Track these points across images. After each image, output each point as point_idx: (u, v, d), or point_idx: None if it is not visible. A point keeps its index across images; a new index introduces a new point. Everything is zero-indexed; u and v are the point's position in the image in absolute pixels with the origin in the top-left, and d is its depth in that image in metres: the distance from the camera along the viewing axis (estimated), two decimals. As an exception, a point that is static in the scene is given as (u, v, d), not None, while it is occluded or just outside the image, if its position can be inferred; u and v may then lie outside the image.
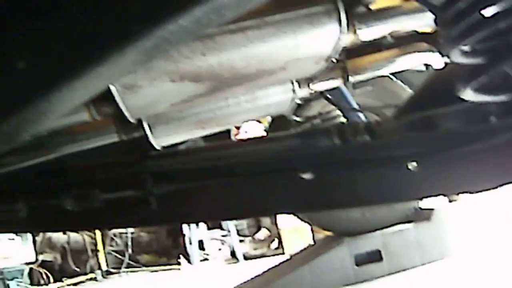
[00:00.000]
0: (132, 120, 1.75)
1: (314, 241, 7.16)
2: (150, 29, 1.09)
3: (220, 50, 1.57)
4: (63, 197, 1.48)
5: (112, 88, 1.53)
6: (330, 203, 1.57)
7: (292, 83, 2.12)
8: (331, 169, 1.49)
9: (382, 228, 4.51)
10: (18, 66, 1.13)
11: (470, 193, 1.51)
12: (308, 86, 2.51)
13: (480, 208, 5.67)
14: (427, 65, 3.01)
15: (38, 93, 1.13)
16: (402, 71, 3.13)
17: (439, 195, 1.53)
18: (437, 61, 2.84)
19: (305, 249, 5.24)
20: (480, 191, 1.51)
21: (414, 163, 1.45)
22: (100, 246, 10.71)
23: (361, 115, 3.43)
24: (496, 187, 1.49)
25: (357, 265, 4.46)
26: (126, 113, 1.66)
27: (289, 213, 3.36)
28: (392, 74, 3.64)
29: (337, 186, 1.50)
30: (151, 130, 2.00)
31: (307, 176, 1.44)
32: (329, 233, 4.90)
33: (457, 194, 1.49)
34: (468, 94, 1.46)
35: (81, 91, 1.17)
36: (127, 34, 1.10)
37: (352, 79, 2.67)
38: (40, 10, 1.16)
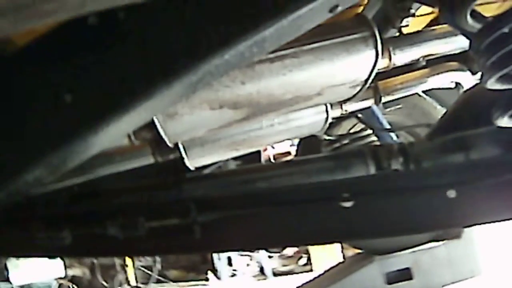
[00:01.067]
0: (170, 145, 1.78)
1: (344, 258, 7.12)
2: (195, 64, 1.12)
3: (259, 79, 1.60)
4: (108, 225, 1.51)
5: (154, 116, 1.57)
6: (369, 232, 1.57)
7: (326, 105, 2.14)
8: (370, 198, 1.49)
9: (412, 246, 4.47)
10: (65, 99, 1.16)
11: (507, 220, 1.51)
12: (341, 107, 2.53)
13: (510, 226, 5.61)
14: (457, 83, 3.01)
15: (86, 126, 1.16)
16: (433, 89, 3.15)
17: (477, 223, 1.53)
18: (468, 80, 2.85)
19: (335, 266, 5.21)
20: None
21: (453, 191, 1.46)
22: (128, 261, 10.74)
23: (392, 134, 3.43)
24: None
25: (388, 283, 4.43)
26: (166, 139, 1.69)
27: (329, 243, 3.35)
28: (423, 91, 3.64)
29: (376, 214, 1.50)
30: (186, 152, 2.03)
31: (347, 204, 1.45)
32: (359, 251, 4.88)
33: (495, 222, 1.48)
34: (504, 121, 1.47)
35: (128, 124, 1.20)
36: (173, 69, 1.12)
37: (384, 99, 2.69)
38: (88, 44, 1.19)
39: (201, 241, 1.48)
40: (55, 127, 1.17)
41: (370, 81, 1.80)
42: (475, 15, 1.47)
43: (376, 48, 1.69)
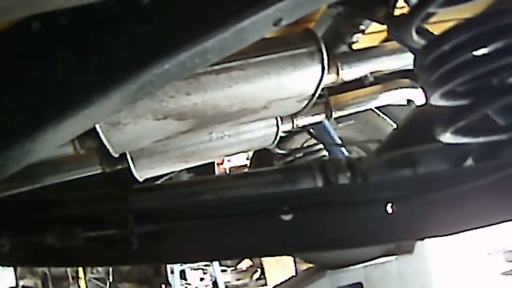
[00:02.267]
0: (115, 155, 1.75)
1: (296, 273, 7.13)
2: (135, 73, 1.11)
3: (204, 90, 1.59)
4: (46, 233, 1.48)
5: (96, 125, 1.54)
6: (309, 245, 1.57)
7: (276, 118, 2.14)
8: (310, 211, 1.49)
9: (364, 261, 4.50)
10: (4, 104, 1.14)
11: (445, 235, 1.52)
12: (292, 121, 2.54)
13: (462, 242, 5.69)
14: (409, 100, 3.05)
15: (23, 133, 1.14)
16: (387, 105, 3.19)
17: (415, 238, 1.54)
18: (420, 96, 2.89)
19: (287, 280, 5.22)
20: (455, 233, 1.51)
21: (391, 206, 1.46)
22: (81, 273, 10.60)
23: (343, 149, 3.46)
24: (474, 229, 1.50)
25: (339, 298, 4.45)
26: (110, 149, 1.67)
27: (270, 255, 3.35)
28: (376, 108, 3.68)
29: (314, 228, 1.50)
30: (133, 163, 2.01)
31: (286, 217, 1.44)
32: (311, 265, 4.89)
33: (434, 237, 1.49)
34: (446, 137, 1.47)
35: (66, 131, 1.18)
36: (112, 77, 1.11)
37: (335, 114, 2.71)
38: (30, 50, 1.17)
39: (139, 252, 1.46)
40: (-7, 133, 1.15)
41: (316, 95, 1.81)
42: (421, 32, 1.49)
43: (322, 63, 1.69)
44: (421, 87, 2.84)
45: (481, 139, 1.50)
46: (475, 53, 1.33)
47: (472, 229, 1.50)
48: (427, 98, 1.47)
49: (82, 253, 1.50)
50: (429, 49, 1.40)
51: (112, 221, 1.49)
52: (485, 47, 1.33)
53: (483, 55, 1.33)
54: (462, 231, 1.49)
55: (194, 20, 1.13)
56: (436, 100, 1.44)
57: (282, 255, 1.74)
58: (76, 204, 1.86)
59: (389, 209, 1.46)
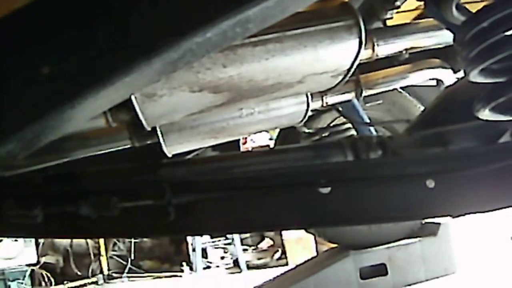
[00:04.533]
0: (148, 128, 1.75)
1: (317, 253, 7.14)
2: (176, 40, 1.10)
3: (241, 62, 1.58)
4: (80, 204, 1.48)
5: (132, 96, 1.54)
6: (346, 219, 1.56)
7: (306, 95, 2.12)
8: (348, 184, 1.49)
9: (387, 242, 4.49)
10: (43, 72, 1.13)
11: (484, 212, 1.51)
12: (322, 98, 2.52)
13: (485, 226, 5.66)
14: (438, 81, 3.01)
15: (62, 100, 1.14)
16: (413, 85, 3.16)
17: (456, 214, 1.53)
18: (449, 77, 2.86)
19: (309, 260, 5.22)
20: (494, 210, 1.50)
21: (432, 181, 1.45)
22: (102, 250, 10.70)
23: (371, 128, 3.43)
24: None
25: (362, 278, 4.44)
26: (144, 122, 1.66)
27: (304, 228, 3.33)
28: (402, 88, 3.65)
29: (353, 201, 1.49)
30: (163, 138, 2.01)
31: (324, 190, 1.44)
32: (333, 245, 4.89)
33: (474, 213, 1.47)
34: (485, 114, 1.46)
35: (105, 99, 1.18)
36: (154, 45, 1.10)
37: (365, 93, 2.69)
38: (69, 18, 1.17)
39: (176, 223, 1.46)
40: (30, 100, 1.14)
41: (352, 71, 1.79)
42: (460, 8, 1.47)
43: (360, 37, 1.67)
44: (452, 67, 2.82)
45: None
46: None
47: (506, 207, 1.49)
48: (466, 74, 1.46)
49: (118, 223, 1.51)
50: (469, 25, 1.39)
51: (147, 191, 1.49)
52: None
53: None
54: (500, 208, 1.48)
55: (236, -13, 1.12)
56: (475, 77, 1.43)
57: (318, 227, 1.73)
58: (109, 176, 1.86)
59: (429, 183, 1.45)
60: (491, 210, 1.50)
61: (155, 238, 9.46)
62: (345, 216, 1.53)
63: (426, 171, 1.47)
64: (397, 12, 2.36)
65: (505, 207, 1.48)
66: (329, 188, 1.44)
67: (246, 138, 7.52)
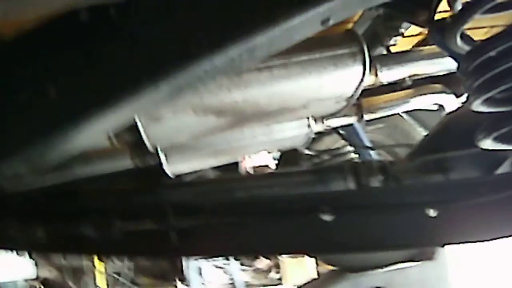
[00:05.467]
0: (151, 150, 1.76)
1: (318, 275, 7.12)
2: (185, 66, 1.11)
3: (246, 87, 1.59)
4: (82, 223, 1.49)
5: (137, 118, 1.55)
6: (349, 246, 1.56)
7: (308, 118, 2.13)
8: (351, 212, 1.49)
9: (386, 266, 4.48)
10: (50, 93, 1.14)
11: (488, 240, 1.51)
12: (323, 121, 2.53)
13: (484, 250, 5.65)
14: (440, 106, 3.02)
15: (68, 121, 1.15)
16: (416, 110, 3.17)
17: (456, 243, 1.53)
18: (451, 102, 2.87)
19: (309, 282, 5.21)
20: (495, 239, 1.51)
21: (434, 210, 1.45)
22: (98, 265, 10.65)
23: (372, 152, 3.44)
24: (510, 236, 1.49)
25: (359, 301, 4.43)
26: (147, 143, 1.67)
27: (307, 255, 3.33)
28: (404, 112, 3.66)
29: (356, 229, 1.49)
30: (166, 159, 2.01)
31: (327, 217, 1.44)
32: (332, 268, 4.88)
33: (475, 242, 1.48)
34: (487, 143, 1.47)
35: (110, 122, 1.19)
36: (162, 70, 1.11)
37: (366, 117, 2.70)
38: (78, 40, 1.18)
39: (177, 246, 1.46)
40: (37, 121, 1.15)
41: (356, 97, 1.80)
42: (465, 37, 1.48)
43: (363, 64, 1.69)
44: (454, 92, 2.83)
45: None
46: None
47: (505, 237, 1.50)
48: (469, 104, 1.47)
49: (119, 244, 1.51)
50: (474, 54, 1.40)
51: (149, 213, 1.50)
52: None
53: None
54: (499, 238, 1.48)
55: (245, 16, 1.13)
56: (479, 106, 1.43)
57: (319, 255, 1.73)
58: (110, 196, 1.87)
59: (431, 212, 1.45)
60: (492, 239, 1.50)
61: (156, 260, 9.43)
62: (346, 244, 1.53)
63: (428, 200, 1.47)
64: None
65: (505, 237, 1.48)
66: (331, 215, 1.44)
67: (244, 157, 7.51)
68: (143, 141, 1.68)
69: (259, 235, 1.51)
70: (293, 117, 1.84)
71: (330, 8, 1.18)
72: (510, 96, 1.41)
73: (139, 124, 1.57)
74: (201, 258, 8.08)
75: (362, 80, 1.72)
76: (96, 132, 1.23)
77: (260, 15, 1.13)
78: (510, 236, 1.49)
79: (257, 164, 8.67)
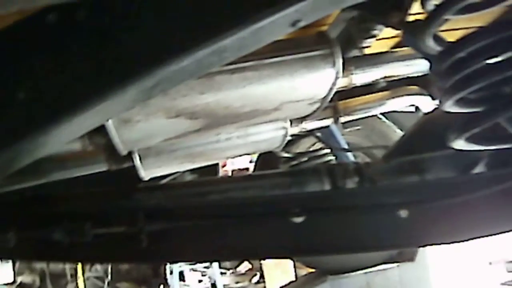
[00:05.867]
0: (123, 153, 1.74)
1: (296, 277, 7.12)
2: (151, 68, 1.10)
3: (218, 89, 1.58)
4: (54, 229, 1.47)
5: (108, 121, 1.53)
6: (320, 248, 1.55)
7: (285, 121, 2.13)
8: (322, 214, 1.48)
9: (365, 268, 4.49)
10: (18, 97, 1.13)
11: (458, 242, 1.51)
12: (300, 124, 2.53)
13: (463, 251, 5.68)
14: (417, 107, 3.03)
15: (36, 125, 1.13)
16: (393, 111, 3.18)
17: (426, 244, 1.53)
18: (427, 104, 2.88)
19: (287, 284, 5.20)
20: (468, 240, 1.51)
21: (405, 211, 1.45)
22: (79, 271, 10.59)
23: (349, 154, 3.45)
24: (482, 237, 1.49)
25: (340, 303, 4.43)
26: (119, 146, 1.66)
27: (280, 257, 3.32)
28: (382, 113, 3.67)
29: (327, 231, 1.49)
30: (141, 162, 2.00)
31: (298, 219, 1.43)
32: (312, 270, 4.88)
33: (443, 243, 1.48)
34: (460, 144, 1.47)
35: (79, 125, 1.18)
36: (128, 73, 1.10)
37: (343, 119, 2.70)
38: (45, 43, 1.16)
39: (148, 251, 1.45)
40: (5, 125, 1.14)
41: (329, 99, 1.80)
42: (437, 38, 1.48)
43: (336, 66, 1.69)
44: (430, 94, 2.84)
45: (493, 147, 1.50)
46: (490, 60, 1.33)
47: (480, 237, 1.50)
48: (441, 104, 1.47)
49: (90, 249, 1.49)
50: (445, 55, 1.40)
51: (121, 218, 1.49)
52: (501, 55, 1.33)
53: (498, 62, 1.33)
54: (472, 239, 1.48)
55: (213, 18, 1.12)
56: (451, 107, 1.43)
57: (291, 257, 1.72)
58: (83, 200, 1.85)
59: (402, 214, 1.45)
60: (464, 240, 1.51)
61: (127, 264, 9.38)
62: (318, 245, 1.53)
63: (399, 201, 1.47)
64: (376, 40, 2.38)
65: (478, 237, 1.48)
66: (302, 218, 1.44)
67: (226, 160, 7.50)
68: (115, 144, 1.67)
69: (230, 238, 1.51)
70: (266, 119, 1.83)
71: (299, 9, 1.17)
72: (481, 97, 1.41)
73: (110, 127, 1.56)
74: (173, 263, 8.04)
75: (334, 82, 1.72)
76: (65, 137, 1.22)
77: (228, 16, 1.12)
78: (483, 236, 1.50)
79: (237, 167, 8.70)
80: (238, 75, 1.59)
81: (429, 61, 1.55)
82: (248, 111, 1.69)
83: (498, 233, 1.48)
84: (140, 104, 1.49)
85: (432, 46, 1.48)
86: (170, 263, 8.40)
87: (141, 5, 1.13)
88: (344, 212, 1.50)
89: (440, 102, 1.47)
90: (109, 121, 1.53)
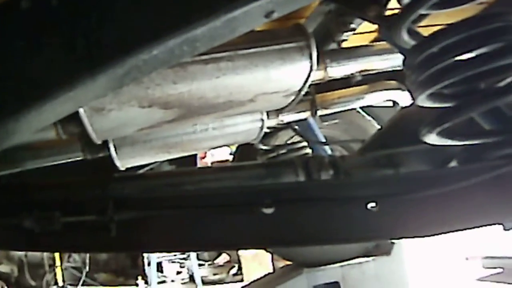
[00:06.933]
0: (97, 142, 1.73)
1: (274, 269, 7.14)
2: (122, 57, 1.10)
3: (192, 79, 1.58)
4: (24, 217, 1.46)
5: (80, 110, 1.52)
6: (289, 240, 1.55)
7: (261, 113, 2.13)
8: (292, 206, 1.48)
9: (341, 261, 4.50)
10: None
11: (426, 236, 1.52)
12: (277, 116, 2.53)
13: (440, 245, 5.72)
14: (395, 102, 3.05)
15: (7, 112, 1.13)
16: (371, 106, 3.19)
17: (395, 238, 1.54)
18: (405, 98, 2.89)
19: (263, 276, 5.21)
20: (437, 235, 1.51)
21: (373, 204, 1.45)
22: (58, 261, 10.54)
23: (327, 147, 3.46)
24: (454, 231, 1.50)
25: (315, 296, 4.44)
26: (92, 135, 1.65)
27: (250, 248, 3.32)
28: (361, 108, 3.69)
29: (297, 222, 1.49)
30: (116, 151, 1.99)
31: (268, 210, 1.43)
32: (289, 262, 4.89)
33: (415, 237, 1.49)
34: (432, 138, 1.47)
35: (50, 113, 1.17)
36: (99, 61, 1.10)
37: (320, 112, 2.71)
38: (18, 29, 1.16)
39: (117, 240, 1.45)
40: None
41: (304, 91, 1.80)
42: (412, 32, 1.49)
43: (311, 58, 1.69)
44: (408, 88, 2.86)
45: (466, 142, 1.51)
46: (463, 56, 1.34)
47: (452, 231, 1.50)
48: (414, 99, 1.47)
49: (60, 238, 1.49)
50: (418, 50, 1.41)
51: (91, 207, 1.48)
52: (472, 51, 1.33)
53: (471, 58, 1.34)
54: (443, 233, 1.49)
55: (184, 7, 1.12)
56: (423, 101, 1.44)
57: (261, 248, 1.73)
58: (56, 189, 1.84)
59: (371, 207, 1.45)
60: (434, 235, 1.51)
61: (97, 253, 9.36)
62: (287, 237, 1.53)
63: (369, 194, 1.48)
64: (356, 34, 2.39)
65: (447, 232, 1.49)
66: (272, 209, 1.44)
67: (205, 152, 7.49)
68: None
69: (199, 229, 1.50)
70: (242, 111, 1.83)
71: (273, 0, 1.17)
72: (453, 92, 1.42)
73: (82, 115, 1.55)
74: (144, 252, 8.02)
75: (309, 74, 1.72)
76: (36, 124, 1.22)
77: (199, 6, 1.12)
78: (455, 231, 1.50)
79: (217, 159, 8.69)
80: (212, 66, 1.58)
81: (404, 55, 1.55)
82: (223, 102, 1.69)
83: (469, 228, 1.49)
84: (113, 93, 1.48)
85: (406, 40, 1.49)
86: (141, 253, 8.39)
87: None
88: (315, 204, 1.50)
89: (412, 96, 1.47)
90: (81, 109, 1.52)
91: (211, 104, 1.68)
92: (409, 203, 1.48)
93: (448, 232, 1.50)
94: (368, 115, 3.96)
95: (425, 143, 1.53)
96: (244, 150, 3.86)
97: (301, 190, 1.58)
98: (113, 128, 1.66)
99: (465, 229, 1.49)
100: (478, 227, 1.48)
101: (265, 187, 1.83)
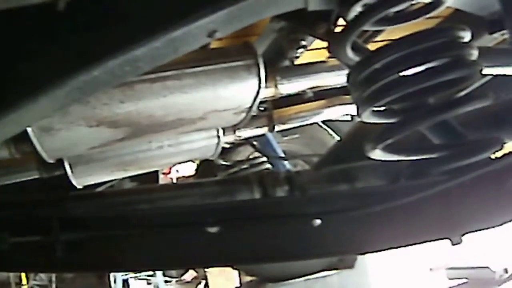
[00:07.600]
0: (49, 161, 1.73)
1: (241, 284, 7.11)
2: (62, 78, 1.10)
3: (139, 98, 1.58)
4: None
5: (29, 129, 1.52)
6: (238, 258, 1.55)
7: (217, 129, 2.14)
8: (237, 224, 1.48)
9: (305, 275, 4.51)
10: None
11: (376, 251, 1.53)
12: (234, 133, 2.54)
13: (404, 257, 5.76)
14: (353, 116, 3.08)
15: None
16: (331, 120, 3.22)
17: (346, 253, 1.55)
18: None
19: (229, 292, 5.21)
20: (383, 250, 1.52)
21: (318, 221, 1.46)
22: (24, 280, 10.41)
23: (286, 162, 3.48)
24: (400, 247, 1.51)
25: (279, 310, 4.43)
26: (42, 154, 1.65)
27: (199, 266, 3.31)
28: (323, 122, 3.71)
29: (242, 240, 1.49)
30: (71, 170, 1.99)
31: (212, 229, 1.44)
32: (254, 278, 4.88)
33: (361, 253, 1.51)
34: (376, 154, 1.48)
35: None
36: (39, 83, 1.10)
37: (278, 128, 2.73)
38: None
39: (63, 260, 1.44)
40: None
41: (254, 108, 1.82)
42: (356, 48, 1.51)
43: (259, 76, 1.70)
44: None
45: (411, 157, 1.52)
46: (405, 72, 1.36)
47: (398, 247, 1.51)
48: (359, 115, 1.49)
49: (9, 258, 1.48)
50: (361, 66, 1.42)
51: (38, 227, 1.47)
52: (415, 66, 1.35)
53: (413, 74, 1.36)
54: (388, 249, 1.50)
55: (123, 29, 1.13)
56: (368, 117, 1.45)
57: (213, 266, 1.72)
58: (6, 208, 1.83)
59: (315, 223, 1.46)
60: (379, 251, 1.53)
61: (45, 273, 9.27)
62: (236, 255, 1.53)
63: (315, 211, 1.48)
64: (311, 50, 2.41)
65: (392, 248, 1.50)
66: (216, 227, 1.44)
67: (170, 168, 7.46)
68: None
69: (145, 249, 1.50)
70: (194, 128, 1.84)
71: (214, 20, 1.19)
72: (397, 108, 1.44)
73: (31, 135, 1.55)
74: (90, 272, 7.94)
75: (258, 92, 1.73)
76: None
77: (138, 27, 1.14)
78: (402, 246, 1.51)
79: (182, 175, 8.65)
80: (159, 84, 1.59)
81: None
82: (172, 120, 1.70)
83: (416, 243, 1.50)
84: (61, 113, 1.49)
85: (351, 56, 1.51)
86: (87, 272, 8.30)
87: (49, 18, 1.13)
88: (260, 222, 1.50)
89: (357, 112, 1.49)
90: (29, 129, 1.52)
91: (160, 122, 1.69)
92: (354, 219, 1.49)
93: (394, 247, 1.51)
94: (330, 128, 4.00)
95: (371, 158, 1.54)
96: (205, 166, 3.87)
97: (248, 208, 1.58)
98: (63, 147, 1.66)
99: (412, 244, 1.50)
100: (425, 242, 1.49)
101: (212, 206, 1.82)
